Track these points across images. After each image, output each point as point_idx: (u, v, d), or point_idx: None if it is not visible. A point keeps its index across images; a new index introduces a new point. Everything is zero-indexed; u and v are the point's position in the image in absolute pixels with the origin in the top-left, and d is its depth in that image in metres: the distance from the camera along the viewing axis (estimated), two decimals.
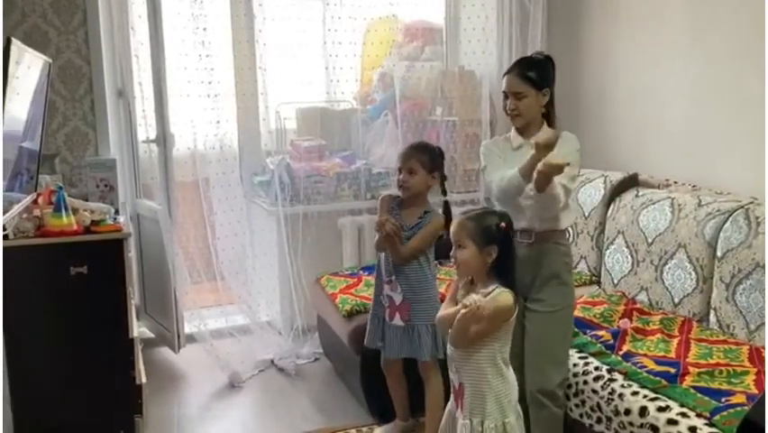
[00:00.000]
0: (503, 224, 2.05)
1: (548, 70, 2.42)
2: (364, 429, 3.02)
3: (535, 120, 2.42)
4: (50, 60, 2.74)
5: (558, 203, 2.33)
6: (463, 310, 1.96)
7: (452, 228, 2.11)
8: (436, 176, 2.71)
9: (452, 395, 2.18)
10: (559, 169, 2.14)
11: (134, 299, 3.44)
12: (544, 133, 2.27)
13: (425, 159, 2.68)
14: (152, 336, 3.94)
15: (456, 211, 3.87)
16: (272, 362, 3.74)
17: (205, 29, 3.55)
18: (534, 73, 2.37)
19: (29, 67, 2.39)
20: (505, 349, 2.08)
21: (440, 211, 2.73)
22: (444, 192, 2.78)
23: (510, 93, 2.39)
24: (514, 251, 2.11)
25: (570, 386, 2.52)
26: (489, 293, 2.01)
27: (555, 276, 2.40)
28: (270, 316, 4.06)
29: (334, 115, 4.11)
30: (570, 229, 2.55)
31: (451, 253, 2.11)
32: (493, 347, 2.05)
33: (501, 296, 2.00)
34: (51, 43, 3.51)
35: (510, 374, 2.11)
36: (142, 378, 2.88)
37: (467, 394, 2.07)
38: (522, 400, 2.23)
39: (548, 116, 2.44)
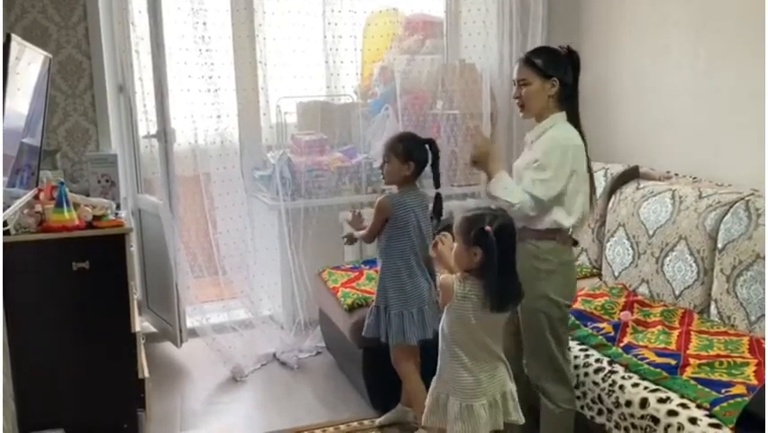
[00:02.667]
0: (488, 228, 2.01)
1: (559, 62, 2.34)
2: (366, 422, 3.04)
3: (544, 113, 2.35)
4: (51, 56, 2.74)
5: (516, 211, 2.25)
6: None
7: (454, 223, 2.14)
8: (411, 165, 2.73)
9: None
10: (479, 153, 2.33)
11: (136, 294, 3.45)
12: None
13: (399, 148, 2.74)
14: (155, 330, 3.95)
15: (458, 204, 3.90)
16: (274, 356, 3.75)
17: (205, 23, 3.55)
18: (541, 61, 2.32)
19: (29, 62, 2.39)
20: (468, 345, 2.12)
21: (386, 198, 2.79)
22: (437, 185, 2.81)
23: (516, 80, 2.37)
24: (495, 255, 2.02)
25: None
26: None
27: (523, 279, 2.16)
28: (272, 310, 4.07)
29: (335, 109, 4.10)
30: (560, 232, 2.35)
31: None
32: (461, 337, 2.12)
33: (447, 277, 2.10)
34: (51, 39, 3.51)
35: (471, 373, 2.12)
36: (145, 372, 2.88)
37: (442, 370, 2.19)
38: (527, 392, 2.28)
39: (571, 112, 2.37)
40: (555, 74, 2.32)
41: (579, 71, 2.37)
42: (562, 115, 2.36)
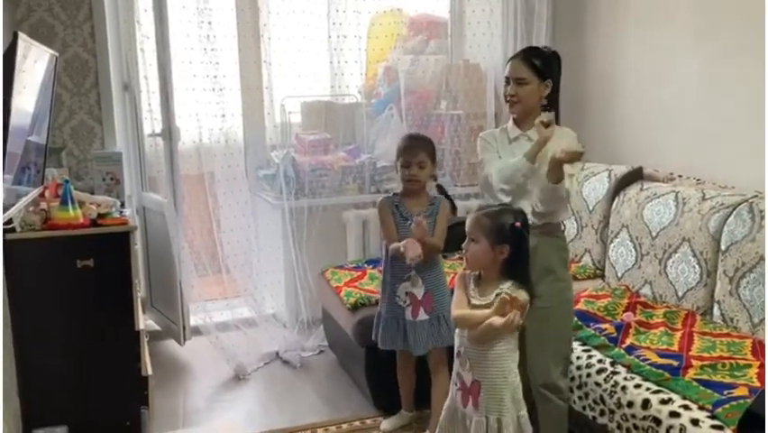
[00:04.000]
0: (518, 223, 2.05)
1: (552, 64, 2.40)
2: (368, 421, 3.04)
3: (534, 111, 2.39)
4: (57, 54, 2.75)
5: (566, 194, 2.31)
6: (500, 321, 1.96)
7: (468, 222, 2.13)
8: (435, 166, 2.78)
9: (456, 392, 2.18)
10: (578, 155, 2.15)
11: (140, 292, 3.46)
12: (544, 115, 2.31)
13: (432, 151, 2.74)
14: (158, 328, 3.97)
15: (462, 206, 3.92)
16: (277, 354, 3.76)
17: (210, 23, 3.57)
18: (540, 62, 2.36)
19: (35, 61, 2.40)
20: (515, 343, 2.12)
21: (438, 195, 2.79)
22: (435, 177, 2.81)
23: (513, 78, 2.38)
24: (527, 250, 2.09)
25: (573, 379, 2.53)
26: (508, 288, 2.04)
27: (550, 271, 2.35)
28: (275, 308, 4.08)
29: (339, 108, 4.11)
30: (564, 223, 2.52)
31: (463, 245, 2.12)
32: (510, 341, 2.08)
33: (521, 294, 2.03)
34: (58, 37, 3.52)
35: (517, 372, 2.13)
36: (148, 370, 2.90)
37: (483, 391, 2.08)
38: (528, 393, 2.25)
39: (556, 113, 2.41)
40: (551, 76, 2.37)
41: (560, 73, 2.43)
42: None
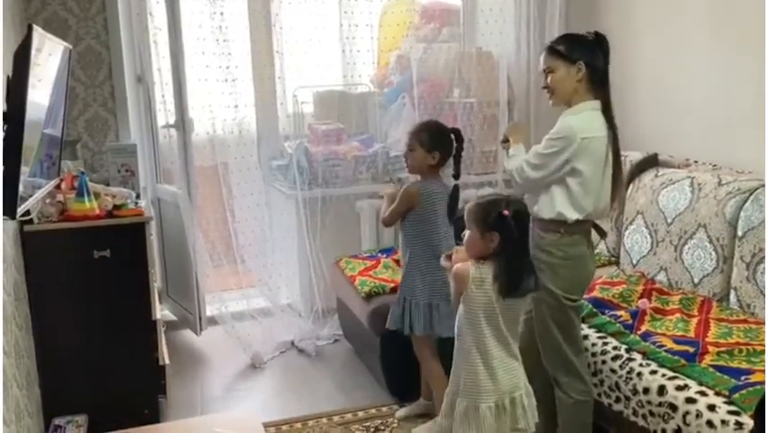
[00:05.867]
0: (506, 211, 2.00)
1: (580, 46, 2.32)
2: (384, 409, 3.06)
3: (575, 98, 2.31)
4: (71, 47, 2.77)
5: (511, 177, 2.38)
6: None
7: (465, 211, 2.13)
8: (436, 155, 2.73)
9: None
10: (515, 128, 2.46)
11: (156, 283, 3.50)
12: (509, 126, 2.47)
13: (424, 137, 2.73)
14: (175, 318, 4.00)
15: (474, 193, 3.90)
16: (293, 343, 3.79)
17: (222, 13, 3.57)
18: (564, 46, 2.31)
19: (50, 54, 2.42)
20: (494, 335, 2.06)
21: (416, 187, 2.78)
22: (457, 176, 2.77)
23: (543, 70, 2.36)
24: (516, 239, 2.01)
25: (588, 366, 2.52)
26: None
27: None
28: (291, 298, 4.10)
29: (351, 98, 4.11)
30: (564, 225, 2.31)
31: (462, 233, 2.13)
32: (478, 330, 2.06)
33: (462, 264, 2.06)
34: (71, 30, 3.54)
35: (502, 363, 2.06)
36: (166, 359, 2.93)
37: (454, 372, 2.15)
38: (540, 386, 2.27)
39: (603, 99, 2.34)
40: (581, 58, 2.29)
41: (608, 56, 2.34)
42: (593, 104, 2.32)
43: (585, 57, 2.30)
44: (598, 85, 2.33)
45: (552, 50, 2.33)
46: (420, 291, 2.75)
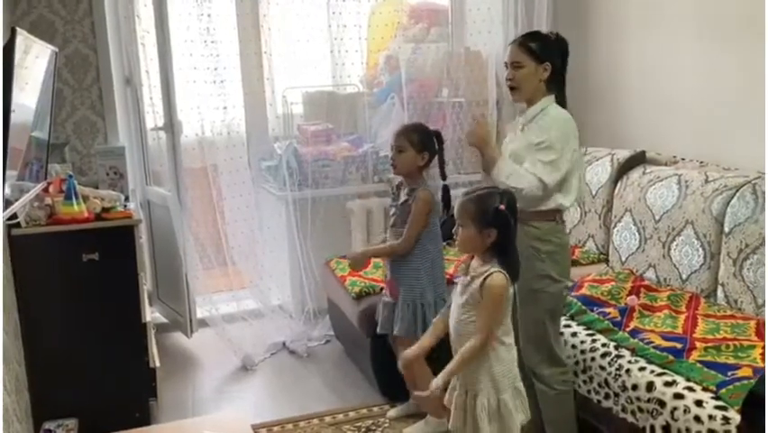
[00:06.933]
0: (502, 206, 2.02)
1: (553, 47, 2.37)
2: (375, 409, 3.06)
3: (536, 97, 2.37)
4: (57, 50, 2.76)
5: (521, 192, 2.25)
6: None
7: (455, 208, 2.12)
8: (426, 156, 2.73)
9: None
10: (473, 134, 2.37)
11: (146, 285, 3.49)
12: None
13: (415, 138, 2.73)
14: (166, 321, 3.99)
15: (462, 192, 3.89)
16: (284, 344, 3.78)
17: (209, 15, 3.57)
18: (536, 45, 2.35)
19: (36, 57, 2.41)
20: (505, 322, 2.09)
21: (427, 191, 2.75)
22: (444, 177, 2.79)
23: (509, 62, 2.38)
24: (513, 233, 2.05)
25: (577, 363, 2.54)
26: (485, 272, 2.03)
27: (522, 261, 2.14)
28: (281, 299, 4.10)
29: (341, 98, 4.11)
30: (553, 213, 2.37)
31: (453, 230, 2.13)
32: (503, 327, 2.08)
33: (493, 281, 2.01)
34: (58, 33, 3.53)
35: (508, 351, 2.10)
36: (156, 362, 2.92)
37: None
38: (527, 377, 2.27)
39: (559, 96, 2.40)
40: (548, 59, 2.35)
41: (567, 57, 2.40)
42: (552, 99, 2.39)
43: (552, 58, 2.35)
44: (556, 86, 2.39)
45: (524, 47, 2.36)
46: (428, 290, 2.75)
